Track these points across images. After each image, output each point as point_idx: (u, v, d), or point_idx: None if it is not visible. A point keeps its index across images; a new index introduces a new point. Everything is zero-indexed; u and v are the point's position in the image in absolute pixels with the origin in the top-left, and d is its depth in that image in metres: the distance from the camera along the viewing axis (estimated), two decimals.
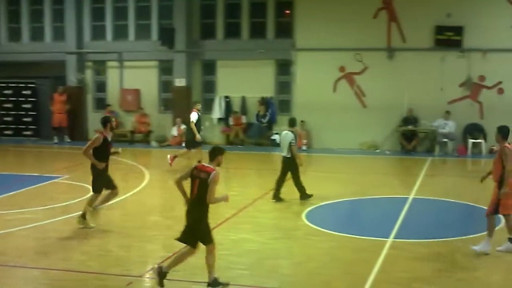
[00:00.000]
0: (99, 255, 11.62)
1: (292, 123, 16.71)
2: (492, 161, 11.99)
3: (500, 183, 11.55)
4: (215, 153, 9.85)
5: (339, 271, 10.78)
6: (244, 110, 28.79)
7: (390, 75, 26.56)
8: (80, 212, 13.65)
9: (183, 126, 28.27)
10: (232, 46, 28.72)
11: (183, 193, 9.86)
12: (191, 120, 21.06)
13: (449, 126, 25.36)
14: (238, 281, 10.20)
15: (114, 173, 14.19)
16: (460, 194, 17.61)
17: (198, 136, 20.75)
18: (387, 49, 26.62)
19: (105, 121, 13.86)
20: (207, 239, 9.76)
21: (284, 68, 28.58)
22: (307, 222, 14.23)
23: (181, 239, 9.82)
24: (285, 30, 28.51)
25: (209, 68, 29.65)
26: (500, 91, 25.73)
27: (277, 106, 28.56)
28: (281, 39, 28.33)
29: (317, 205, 15.83)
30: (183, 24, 28.96)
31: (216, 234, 12.84)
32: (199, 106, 21.79)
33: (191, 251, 9.83)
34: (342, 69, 27.17)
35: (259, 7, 28.66)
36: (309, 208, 15.52)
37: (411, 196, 17.15)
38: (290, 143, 16.16)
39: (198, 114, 21.25)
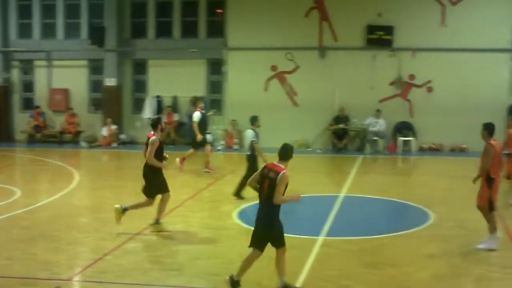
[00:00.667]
0: (25, 259, 11.23)
1: (252, 121, 16.54)
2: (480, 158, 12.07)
3: (488, 178, 11.71)
4: (288, 151, 9.46)
5: (271, 270, 10.64)
6: (175, 110, 28.52)
7: (321, 74, 26.73)
8: (156, 219, 13.10)
9: (114, 126, 27.89)
10: (163, 46, 28.48)
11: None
12: (193, 120, 20.58)
13: (380, 125, 25.65)
14: (168, 281, 10.04)
15: (41, 174, 13.85)
16: (390, 192, 17.77)
17: (199, 136, 20.21)
18: (319, 48, 26.76)
19: (156, 122, 13.26)
20: (280, 242, 9.36)
21: (216, 67, 28.47)
22: (238, 221, 14.11)
23: (252, 244, 9.40)
24: (217, 29, 28.40)
25: (140, 67, 29.32)
26: (430, 89, 26.16)
27: (209, 105, 28.37)
28: (213, 39, 28.22)
29: (248, 204, 15.70)
30: (114, 23, 28.58)
31: (146, 235, 12.73)
32: (202, 105, 21.16)
33: (258, 255, 9.44)
34: (273, 68, 27.20)
35: (191, 6, 28.49)
36: (241, 207, 15.40)
37: (342, 194, 17.21)
38: (252, 141, 16.02)
39: (202, 113, 20.66)
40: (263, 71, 27.19)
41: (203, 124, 20.64)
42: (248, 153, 16.18)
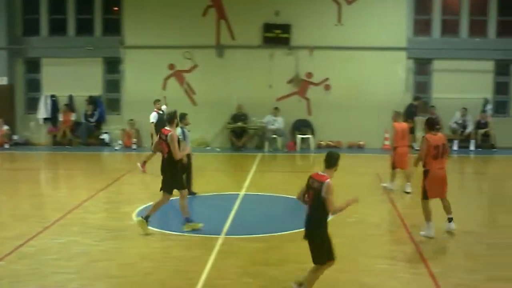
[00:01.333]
0: None
1: (181, 118, 16.29)
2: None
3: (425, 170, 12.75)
4: (334, 159, 9.18)
5: (172, 270, 10.54)
6: (72, 109, 27.83)
7: (219, 72, 26.67)
8: (184, 218, 13.09)
9: (5, 127, 27.00)
10: (57, 43, 27.69)
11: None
12: (150, 121, 19.71)
13: (278, 123, 25.81)
14: (66, 285, 9.75)
15: None
16: (290, 189, 17.76)
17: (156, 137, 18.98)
18: (217, 47, 26.68)
19: (172, 117, 13.24)
20: (331, 255, 9.16)
21: (112, 66, 27.93)
22: None
23: (315, 261, 9.25)
24: (113, 27, 27.82)
25: (33, 66, 28.40)
26: (327, 87, 26.50)
27: (106, 105, 27.89)
28: (109, 37, 27.66)
29: (148, 204, 15.47)
30: (4, 20, 27.57)
31: (43, 238, 12.32)
32: (159, 105, 20.18)
33: (323, 268, 9.28)
34: (171, 66, 26.94)
35: (86, 3, 27.79)
36: (140, 207, 15.14)
37: (242, 192, 17.21)
38: (178, 138, 15.77)
39: (159, 114, 19.76)
40: (161, 70, 26.89)
41: (160, 124, 19.38)
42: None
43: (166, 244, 12.12)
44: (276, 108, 26.02)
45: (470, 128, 26.35)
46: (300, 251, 11.64)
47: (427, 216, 12.67)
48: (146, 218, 12.88)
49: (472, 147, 26.12)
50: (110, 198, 16.93)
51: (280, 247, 11.97)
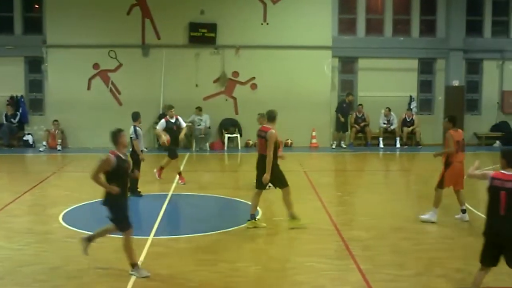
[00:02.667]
0: None
1: (134, 117, 16.32)
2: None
3: (446, 162, 13.83)
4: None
5: (100, 272, 10.32)
6: None
7: (145, 72, 26.40)
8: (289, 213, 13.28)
9: None
10: None
11: None
12: (157, 127, 18.59)
13: (203, 121, 25.67)
14: None
15: None
16: (218, 189, 17.79)
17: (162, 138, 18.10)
18: (142, 46, 26.38)
19: (275, 115, 13.69)
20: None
21: (35, 65, 27.29)
22: (64, 224, 13.55)
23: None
24: (34, 25, 27.21)
25: None
26: (253, 86, 26.54)
27: (29, 105, 27.25)
28: (31, 35, 27.03)
29: (74, 206, 15.18)
30: None
31: None
32: (173, 113, 18.61)
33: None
34: (96, 66, 26.51)
35: (6, 0, 27.04)
36: (66, 210, 14.83)
37: (171, 192, 17.06)
38: (130, 137, 15.54)
39: (168, 122, 18.38)
40: (86, 70, 26.43)
41: (169, 133, 18.21)
42: (130, 149, 15.76)
43: (93, 246, 11.85)
44: (198, 107, 25.86)
45: (394, 126, 26.78)
46: (230, 251, 11.64)
47: (437, 203, 13.89)
48: (252, 217, 13.19)
49: (397, 145, 26.56)
50: (35, 200, 16.54)
51: (210, 247, 11.87)
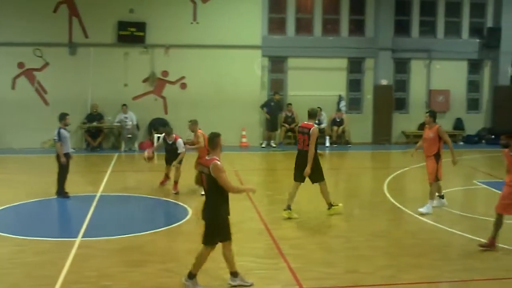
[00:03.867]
0: None
1: (60, 118, 15.99)
2: (425, 139, 14.69)
3: (437, 155, 14.42)
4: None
5: (23, 277, 10.03)
6: None
7: (73, 71, 25.87)
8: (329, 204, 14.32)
9: None
10: None
11: None
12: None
13: (131, 120, 25.30)
14: None
15: None
16: (147, 189, 17.59)
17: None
18: (69, 45, 25.85)
19: (316, 112, 14.84)
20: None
21: None
22: None
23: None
24: None
25: None
26: (183, 86, 26.33)
27: None
28: None
29: None
30: None
31: None
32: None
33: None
34: (21, 65, 25.83)
35: None
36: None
37: (99, 193, 16.76)
38: (54, 139, 15.55)
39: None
40: (10, 69, 25.72)
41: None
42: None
43: (15, 250, 11.53)
44: (124, 105, 25.53)
45: (324, 125, 26.94)
46: (160, 251, 11.50)
47: (432, 195, 14.59)
48: (288, 208, 14.08)
49: (327, 143, 26.74)
50: None
51: (139, 248, 11.70)
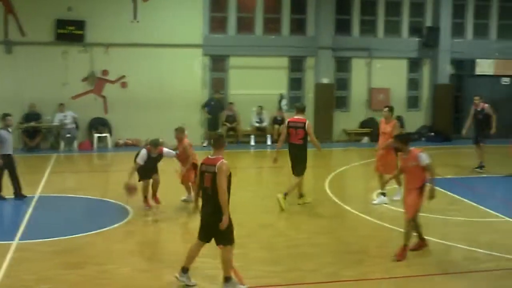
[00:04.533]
0: None
1: (1, 119, 15.66)
2: (383, 133, 15.50)
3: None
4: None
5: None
6: None
7: (8, 70, 25.22)
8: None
9: None
10: None
11: None
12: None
13: (69, 118, 24.85)
14: None
15: None
16: (87, 189, 17.32)
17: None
18: (5, 43, 25.24)
19: (305, 107, 15.71)
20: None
21: None
22: None
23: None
24: None
25: None
26: (124, 85, 25.98)
27: None
28: None
29: None
30: None
31: None
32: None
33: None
34: None
35: None
36: None
37: (37, 195, 16.44)
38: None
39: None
40: None
41: None
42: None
43: None
44: (61, 104, 25.10)
45: (266, 123, 26.95)
46: (99, 253, 11.35)
47: (383, 185, 15.28)
48: (285, 195, 14.83)
49: (269, 142, 26.75)
50: None
51: (78, 250, 11.55)
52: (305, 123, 14.71)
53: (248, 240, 12.34)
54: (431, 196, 10.96)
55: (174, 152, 15.27)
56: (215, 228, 9.22)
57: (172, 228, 13.28)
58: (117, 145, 25.56)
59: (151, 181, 14.90)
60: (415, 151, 11.23)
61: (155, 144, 14.77)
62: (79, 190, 17.25)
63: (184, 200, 15.31)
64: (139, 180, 14.86)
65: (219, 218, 9.12)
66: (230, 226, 9.34)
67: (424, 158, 11.07)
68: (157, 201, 15.08)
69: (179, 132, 15.36)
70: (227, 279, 9.48)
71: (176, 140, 15.45)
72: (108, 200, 15.90)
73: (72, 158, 24.03)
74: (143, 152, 14.69)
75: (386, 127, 15.45)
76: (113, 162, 23.95)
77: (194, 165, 14.73)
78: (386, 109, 15.76)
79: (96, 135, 25.34)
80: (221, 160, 9.20)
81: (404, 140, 11.43)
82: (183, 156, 15.17)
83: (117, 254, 11.39)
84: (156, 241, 12.39)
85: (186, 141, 15.22)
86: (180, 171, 15.21)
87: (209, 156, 9.45)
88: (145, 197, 14.93)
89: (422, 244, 11.55)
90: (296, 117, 15.02)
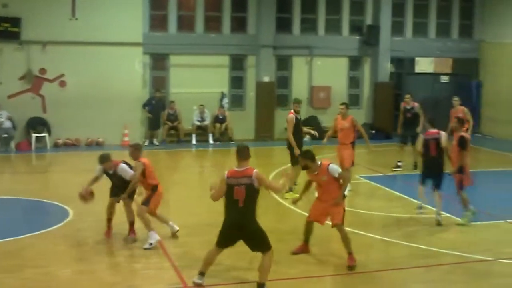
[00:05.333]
0: None
1: None
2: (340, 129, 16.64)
3: (353, 143, 16.61)
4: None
5: None
6: None
7: None
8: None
9: None
10: None
11: None
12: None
13: (4, 117, 24.29)
14: None
15: None
16: (26, 191, 16.97)
17: None
18: None
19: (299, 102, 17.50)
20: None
21: None
22: None
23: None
24: None
25: None
26: (62, 83, 25.51)
27: None
28: None
29: None
30: None
31: None
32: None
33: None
34: None
35: None
36: None
37: None
38: None
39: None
40: None
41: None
42: None
43: None
44: None
45: (207, 122, 26.86)
46: (39, 255, 11.12)
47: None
48: (290, 189, 15.89)
49: (211, 141, 26.65)
50: None
51: (17, 252, 11.33)
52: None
53: (192, 239, 12.30)
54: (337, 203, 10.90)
55: (130, 172, 12.18)
56: (251, 236, 9.60)
57: (112, 229, 13.05)
58: (56, 145, 25.11)
59: (113, 201, 12.47)
60: (324, 164, 10.98)
61: (103, 160, 12.38)
62: (17, 191, 16.88)
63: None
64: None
65: (254, 226, 9.59)
66: (263, 232, 9.62)
67: (335, 169, 10.96)
68: (131, 233, 12.31)
69: (135, 150, 12.54)
70: (261, 285, 9.50)
71: (131, 158, 12.57)
72: (47, 201, 15.61)
73: (9, 159, 23.52)
74: (98, 169, 12.52)
75: (344, 123, 16.46)
76: (52, 162, 23.54)
77: (153, 187, 12.34)
78: (343, 106, 16.76)
79: (35, 135, 24.84)
80: (254, 170, 9.47)
81: (310, 157, 11.07)
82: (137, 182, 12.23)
83: (57, 256, 11.20)
84: (96, 242, 12.17)
85: (141, 160, 12.26)
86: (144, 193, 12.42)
87: (236, 169, 9.52)
88: (130, 224, 12.34)
89: (305, 248, 11.47)
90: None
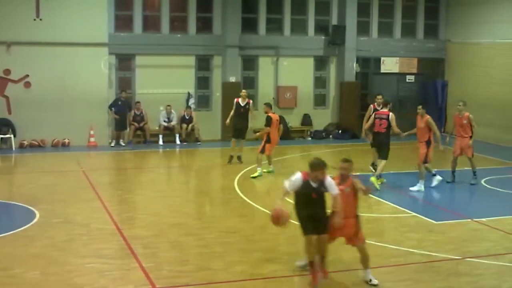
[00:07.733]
0: None
1: None
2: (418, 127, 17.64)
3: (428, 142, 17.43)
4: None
5: None
6: None
7: None
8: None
9: None
10: None
11: None
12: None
13: None
14: None
15: None
16: None
17: None
18: None
19: (389, 101, 18.86)
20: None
21: None
22: None
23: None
24: None
25: None
26: (27, 84, 25.28)
27: None
28: None
29: None
30: None
31: None
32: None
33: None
34: None
35: None
36: None
37: None
38: None
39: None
40: None
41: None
42: None
43: None
44: None
45: (174, 123, 26.81)
46: (5, 257, 11.07)
47: (423, 176, 17.38)
48: (378, 177, 17.42)
49: (177, 141, 26.61)
50: None
51: None
52: (388, 115, 17.48)
53: (158, 240, 12.30)
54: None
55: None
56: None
57: (79, 230, 13.02)
58: (21, 146, 24.89)
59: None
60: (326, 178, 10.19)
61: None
62: None
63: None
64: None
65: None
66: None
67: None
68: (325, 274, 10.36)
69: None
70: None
71: None
72: (13, 202, 15.50)
73: None
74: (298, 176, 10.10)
75: (420, 123, 17.63)
76: (17, 163, 23.33)
77: None
78: (420, 107, 17.84)
79: (0, 136, 24.63)
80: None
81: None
82: None
83: (24, 257, 11.09)
84: (63, 244, 12.12)
85: None
86: None
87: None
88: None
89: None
90: (381, 110, 17.90)
